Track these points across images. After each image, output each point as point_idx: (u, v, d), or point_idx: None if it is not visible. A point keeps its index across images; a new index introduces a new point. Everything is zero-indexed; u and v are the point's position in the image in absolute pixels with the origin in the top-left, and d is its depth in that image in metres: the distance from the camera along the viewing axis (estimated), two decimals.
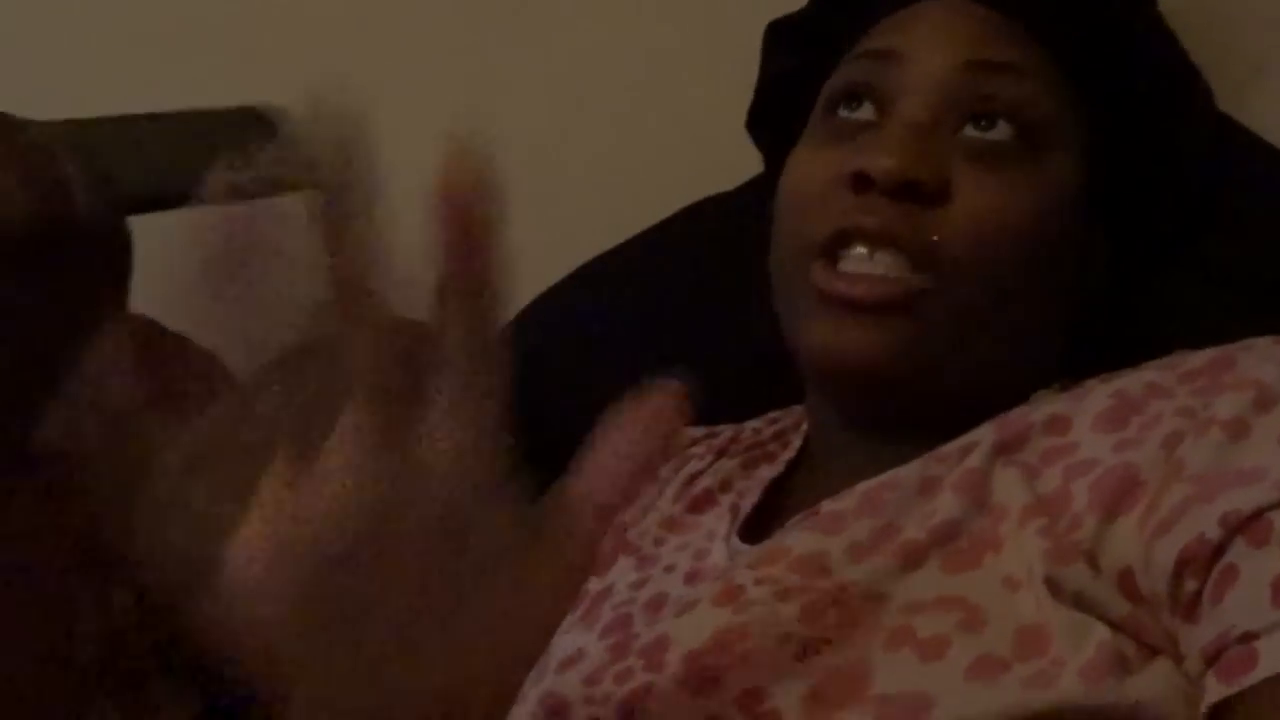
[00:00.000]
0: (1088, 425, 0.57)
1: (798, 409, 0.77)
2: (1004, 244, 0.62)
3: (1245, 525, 0.49)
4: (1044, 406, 0.60)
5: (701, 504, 0.71)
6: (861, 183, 0.62)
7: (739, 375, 0.89)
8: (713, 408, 0.83)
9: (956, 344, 0.63)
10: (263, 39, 1.21)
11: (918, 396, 0.63)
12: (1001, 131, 0.63)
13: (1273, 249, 0.73)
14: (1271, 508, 0.49)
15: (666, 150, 1.08)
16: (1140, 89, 0.69)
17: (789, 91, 0.75)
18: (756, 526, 0.67)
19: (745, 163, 0.87)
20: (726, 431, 0.78)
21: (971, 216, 0.62)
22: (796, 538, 0.60)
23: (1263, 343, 0.58)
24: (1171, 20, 0.73)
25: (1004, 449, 0.58)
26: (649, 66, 1.10)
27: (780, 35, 0.78)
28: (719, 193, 0.97)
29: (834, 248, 0.63)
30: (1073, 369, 0.65)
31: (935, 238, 0.62)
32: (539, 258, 1.03)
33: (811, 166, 0.67)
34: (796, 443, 0.73)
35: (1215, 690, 0.48)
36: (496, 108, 1.15)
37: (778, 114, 0.77)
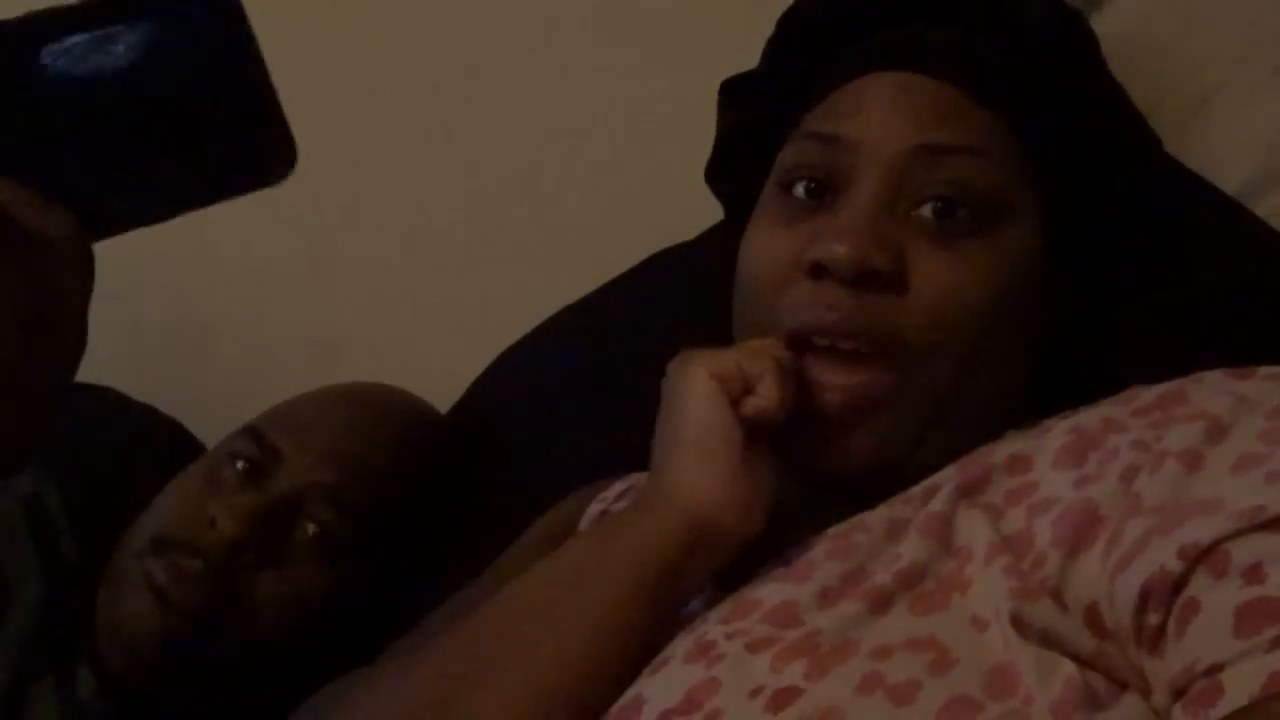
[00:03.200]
0: (1047, 463, 0.58)
1: None
2: (965, 322, 0.63)
3: (1204, 557, 0.49)
4: (1004, 446, 0.61)
5: None
6: (819, 272, 0.63)
7: None
8: None
9: (929, 424, 0.64)
10: None
11: (888, 478, 0.64)
12: (952, 214, 0.64)
13: (1216, 283, 0.74)
14: (1229, 538, 0.49)
15: (635, 198, 1.09)
16: (1092, 145, 0.69)
17: (746, 145, 0.76)
18: (729, 573, 0.67)
19: (713, 209, 0.88)
20: None
21: (931, 301, 0.63)
22: (767, 588, 0.60)
23: (1212, 376, 0.58)
24: (1116, 62, 0.74)
25: (967, 491, 0.59)
26: (612, 119, 1.12)
27: (734, 92, 0.79)
28: (679, 243, 0.98)
29: (798, 341, 0.64)
30: (1037, 406, 0.66)
31: (897, 327, 0.62)
32: (508, 307, 1.06)
33: (768, 249, 0.67)
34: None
35: None
36: (462, 162, 1.17)
37: (735, 167, 0.77)
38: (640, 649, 0.60)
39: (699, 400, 0.63)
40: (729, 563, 0.63)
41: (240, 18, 0.45)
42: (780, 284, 0.65)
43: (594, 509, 0.79)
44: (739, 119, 0.78)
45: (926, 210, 0.64)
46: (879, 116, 0.66)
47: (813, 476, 0.66)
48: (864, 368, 0.63)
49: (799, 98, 0.71)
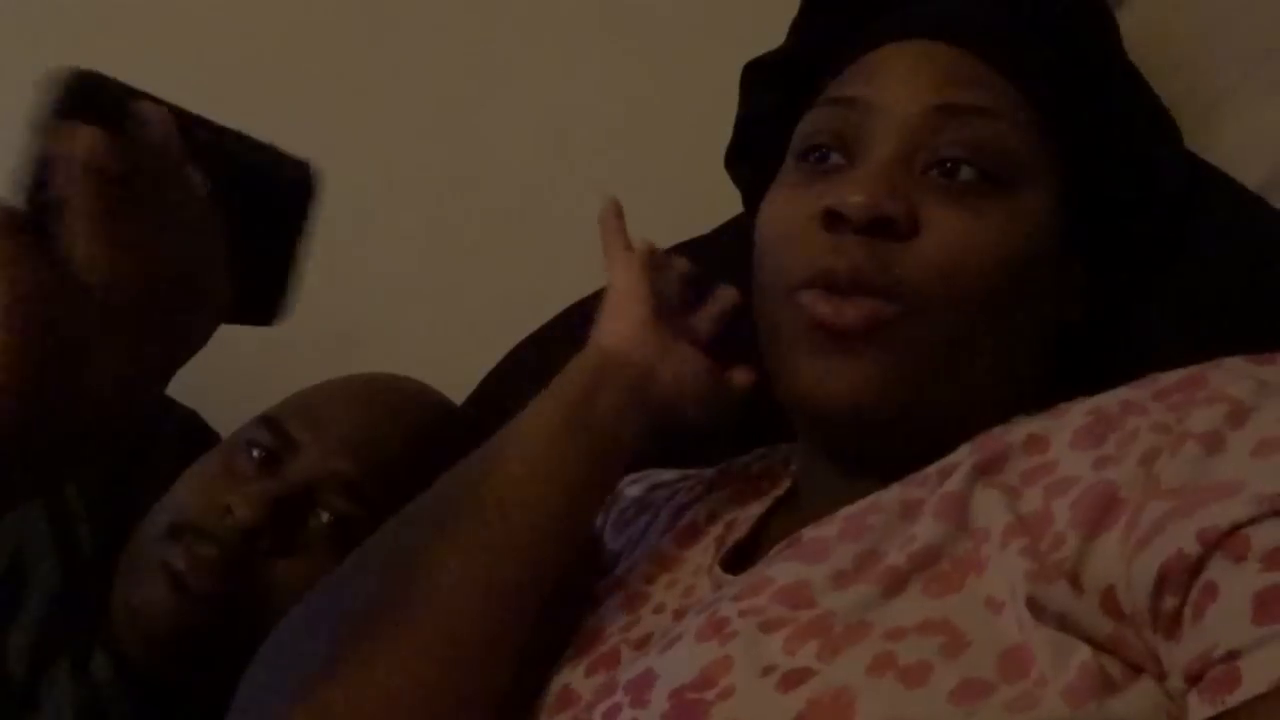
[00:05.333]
0: (1066, 443, 0.57)
1: (785, 447, 0.78)
2: (971, 276, 0.63)
3: (1223, 541, 0.49)
4: (1022, 426, 0.60)
5: (689, 538, 0.71)
6: (833, 220, 0.63)
7: None
8: (691, 449, 0.84)
9: (934, 373, 0.63)
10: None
11: (901, 430, 0.64)
12: (967, 174, 0.64)
13: (1238, 276, 0.73)
14: (1249, 523, 0.48)
15: (647, 193, 1.09)
16: (1110, 124, 0.69)
17: (766, 129, 0.76)
18: (741, 558, 0.67)
19: (725, 204, 0.89)
20: (718, 467, 0.79)
21: (939, 250, 0.63)
22: (780, 567, 0.60)
23: (1233, 361, 0.58)
24: (1135, 60, 0.75)
25: (984, 470, 0.58)
26: (624, 115, 1.12)
27: (756, 74, 0.79)
28: (692, 238, 0.98)
29: (809, 289, 0.64)
30: (1052, 395, 0.66)
31: (906, 274, 0.62)
32: (522, 300, 1.06)
33: (785, 207, 0.68)
34: (786, 481, 0.73)
35: (1199, 710, 0.47)
36: (476, 155, 1.17)
37: (756, 152, 0.78)
38: (574, 486, 0.67)
39: (614, 274, 0.75)
40: (642, 407, 0.70)
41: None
42: (795, 239, 0.66)
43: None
44: (760, 101, 0.78)
45: (940, 170, 0.64)
46: (897, 80, 0.66)
47: (812, 416, 0.66)
48: (869, 301, 0.63)
49: (819, 78, 0.71)
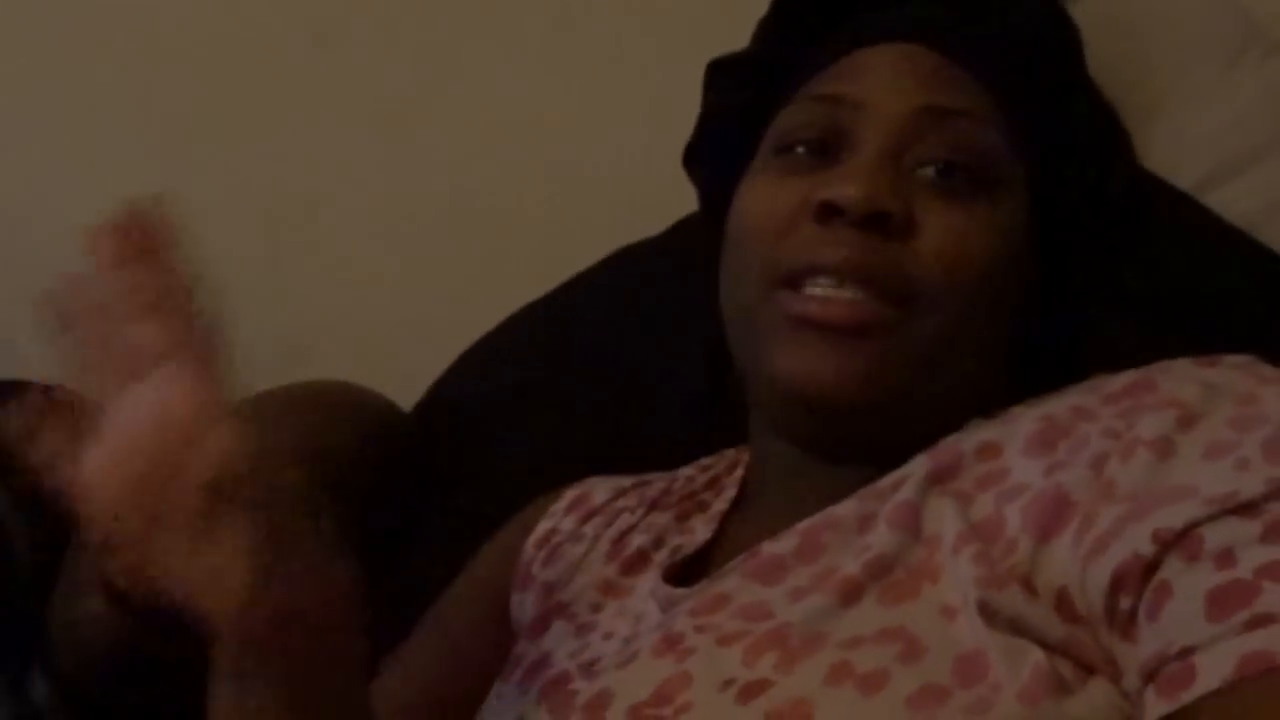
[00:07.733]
0: (1018, 450, 0.58)
1: (730, 453, 0.77)
2: (970, 277, 0.63)
3: (1177, 541, 0.49)
4: (974, 434, 0.60)
5: (635, 565, 0.70)
6: (827, 213, 0.62)
7: (668, 420, 0.88)
8: (642, 452, 0.83)
9: (923, 372, 0.63)
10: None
11: (879, 422, 0.63)
12: (956, 175, 0.64)
13: (1179, 278, 0.74)
14: (1201, 523, 0.49)
15: (594, 197, 1.09)
16: (1074, 135, 0.70)
17: (730, 127, 0.75)
18: (693, 566, 0.66)
19: (670, 207, 0.88)
20: (659, 482, 0.77)
21: (939, 249, 0.62)
22: (736, 585, 0.59)
23: (1180, 364, 0.58)
24: None
25: (937, 479, 0.58)
26: (575, 115, 1.11)
27: (722, 73, 0.78)
28: (641, 240, 0.98)
29: (800, 279, 0.63)
30: (1005, 395, 0.66)
31: (905, 272, 0.62)
32: (472, 305, 1.05)
33: (768, 200, 0.66)
34: (730, 491, 0.72)
35: (1155, 707, 0.48)
36: (423, 159, 1.16)
37: (718, 150, 0.76)
38: None
39: None
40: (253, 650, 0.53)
41: None
42: (784, 230, 0.64)
43: (542, 526, 0.77)
44: (725, 100, 0.77)
45: (930, 171, 0.64)
46: (883, 79, 0.66)
47: (790, 400, 0.64)
48: (864, 303, 0.61)
49: (789, 78, 0.71)
